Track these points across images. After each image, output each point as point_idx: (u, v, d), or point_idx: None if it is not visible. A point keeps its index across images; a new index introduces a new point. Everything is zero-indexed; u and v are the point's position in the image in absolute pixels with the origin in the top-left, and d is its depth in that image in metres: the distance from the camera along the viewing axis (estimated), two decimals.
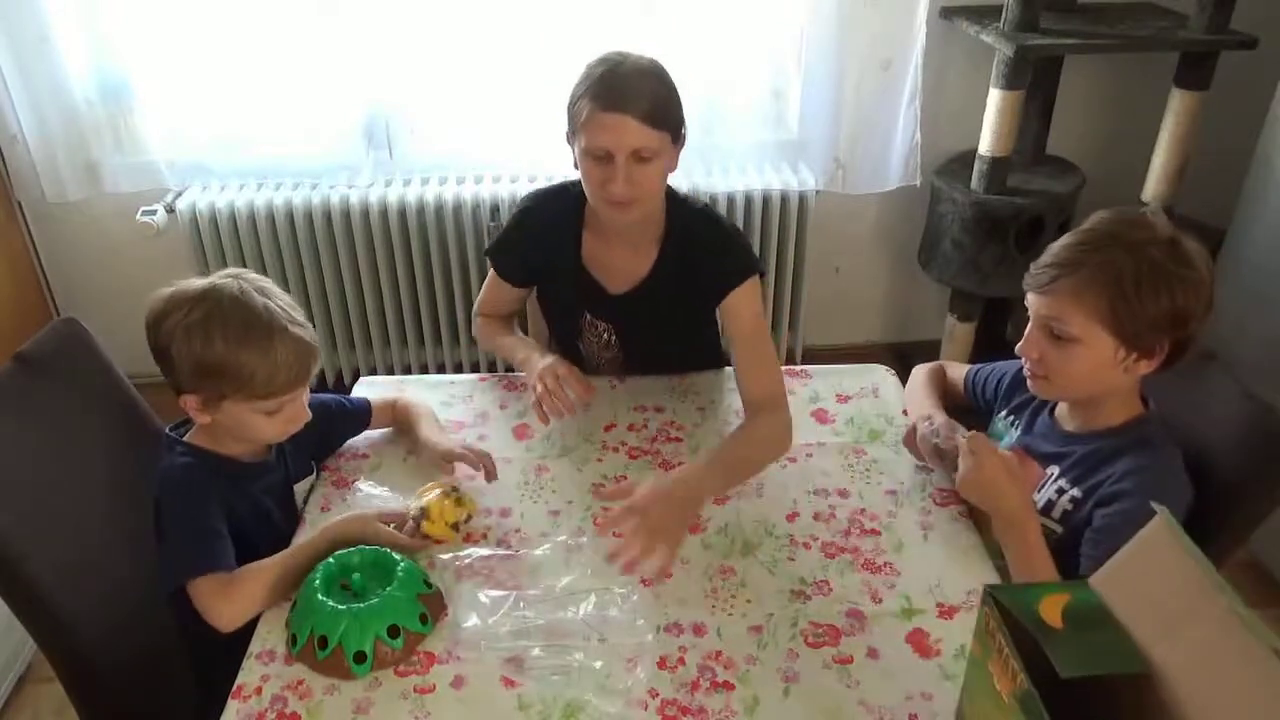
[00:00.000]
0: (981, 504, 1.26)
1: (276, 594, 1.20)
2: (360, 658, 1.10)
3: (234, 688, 1.10)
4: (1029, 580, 1.16)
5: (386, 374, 2.70)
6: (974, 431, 1.30)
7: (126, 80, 2.45)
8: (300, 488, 1.41)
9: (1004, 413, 1.47)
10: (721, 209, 2.56)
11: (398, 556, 1.21)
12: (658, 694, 1.09)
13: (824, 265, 2.86)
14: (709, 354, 1.75)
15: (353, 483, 1.43)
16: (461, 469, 1.42)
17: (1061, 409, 1.36)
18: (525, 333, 1.80)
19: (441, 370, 2.79)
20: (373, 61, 2.42)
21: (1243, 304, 2.11)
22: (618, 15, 2.38)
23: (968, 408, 1.55)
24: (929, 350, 2.81)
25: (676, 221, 1.55)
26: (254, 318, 1.20)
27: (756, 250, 2.63)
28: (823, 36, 2.46)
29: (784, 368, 1.63)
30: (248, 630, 1.18)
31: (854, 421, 1.57)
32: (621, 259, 1.58)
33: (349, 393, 1.59)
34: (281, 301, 1.25)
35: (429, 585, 1.20)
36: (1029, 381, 1.32)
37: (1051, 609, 0.84)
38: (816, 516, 1.36)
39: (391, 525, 1.29)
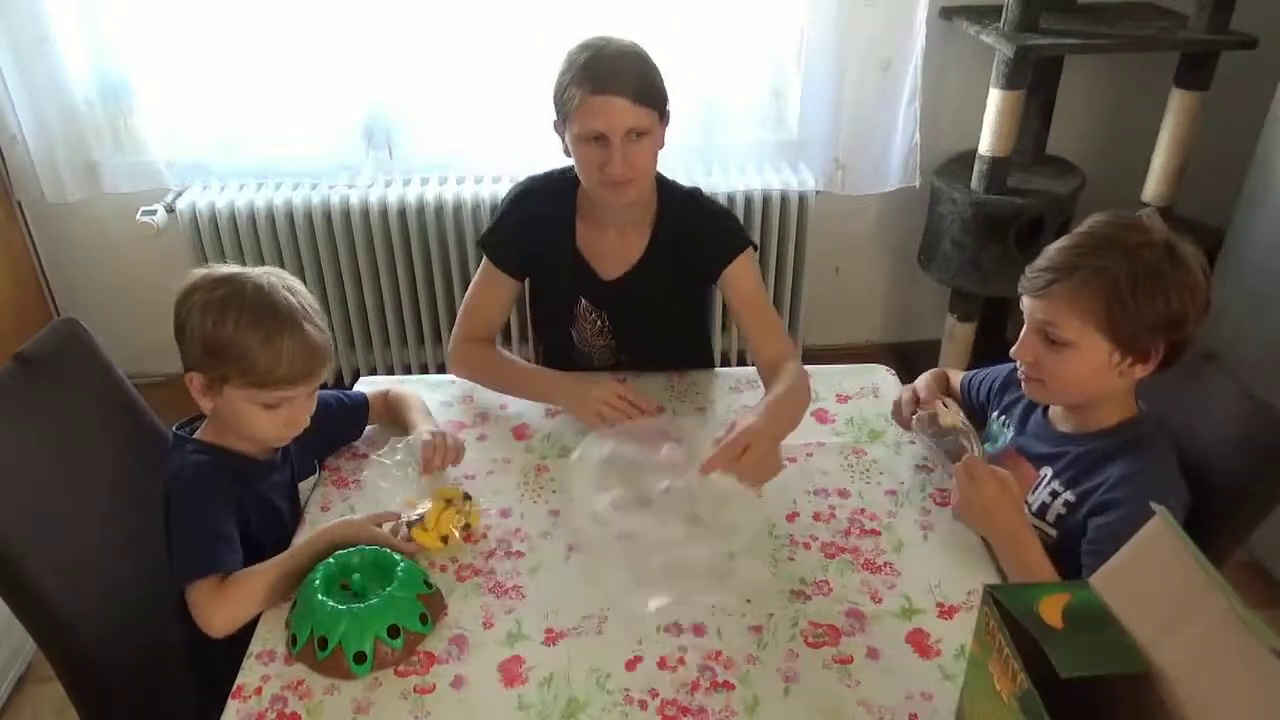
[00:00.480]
0: (982, 527, 1.26)
1: (270, 599, 1.20)
2: (360, 658, 1.10)
3: (234, 688, 1.10)
4: None
5: (386, 374, 2.70)
6: (968, 456, 1.29)
7: (126, 80, 2.45)
8: (305, 486, 1.42)
9: (996, 413, 1.47)
10: None
11: (398, 556, 1.21)
12: (658, 694, 1.09)
13: (824, 265, 2.86)
14: (700, 343, 1.79)
15: (359, 477, 1.44)
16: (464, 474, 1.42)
17: (1055, 409, 1.36)
18: (511, 335, 1.79)
19: (442, 370, 2.78)
20: (373, 61, 2.42)
21: (1243, 304, 2.11)
22: (617, 15, 2.38)
23: (966, 412, 1.55)
24: (929, 350, 2.81)
25: (667, 205, 1.59)
26: (270, 307, 1.21)
27: (756, 250, 2.63)
28: (823, 36, 2.46)
29: None
30: (249, 631, 1.18)
31: (854, 422, 1.57)
32: (614, 244, 1.61)
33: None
34: (304, 300, 1.26)
35: (429, 585, 1.20)
36: (1024, 385, 1.32)
37: (1051, 609, 0.84)
38: (816, 516, 1.36)
39: (384, 526, 1.28)
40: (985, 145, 2.41)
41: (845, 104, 2.53)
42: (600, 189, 1.50)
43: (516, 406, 1.61)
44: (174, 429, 1.33)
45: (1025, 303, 1.27)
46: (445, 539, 1.29)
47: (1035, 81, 2.41)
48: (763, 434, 1.30)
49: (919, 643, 1.15)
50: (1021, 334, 1.29)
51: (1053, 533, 1.28)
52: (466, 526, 1.31)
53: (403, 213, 2.54)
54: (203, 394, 1.24)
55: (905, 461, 1.47)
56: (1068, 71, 2.55)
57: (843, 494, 1.40)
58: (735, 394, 1.63)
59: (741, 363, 2.54)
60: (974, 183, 2.47)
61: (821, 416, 1.58)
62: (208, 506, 1.22)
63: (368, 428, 1.54)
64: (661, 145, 1.53)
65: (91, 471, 1.38)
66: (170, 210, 2.53)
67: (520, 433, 1.55)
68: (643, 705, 1.07)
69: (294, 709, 1.08)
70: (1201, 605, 0.77)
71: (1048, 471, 1.31)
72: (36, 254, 2.68)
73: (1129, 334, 1.19)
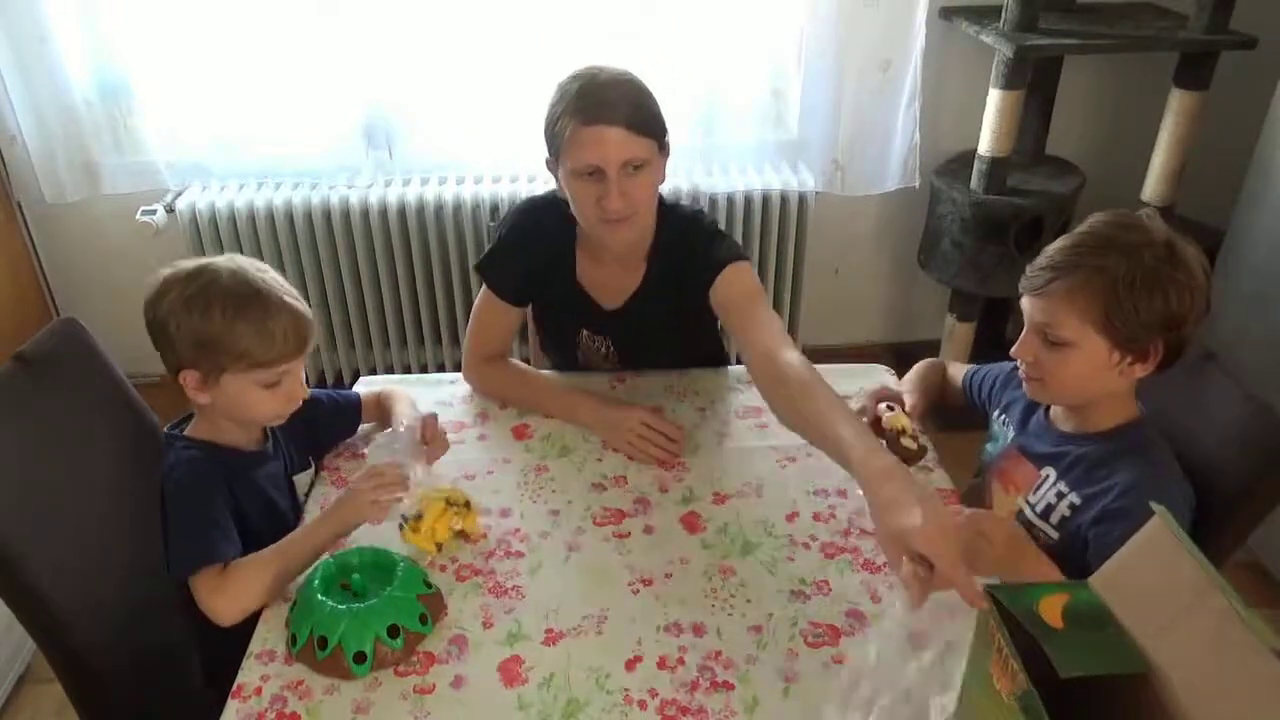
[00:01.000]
0: (1010, 576, 1.16)
1: (275, 586, 1.19)
2: (360, 658, 1.10)
3: (234, 687, 1.10)
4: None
5: (386, 374, 2.70)
6: (974, 510, 1.25)
7: (126, 81, 2.45)
8: (300, 480, 1.42)
9: (997, 413, 1.47)
10: (721, 209, 2.56)
11: (398, 556, 1.21)
12: (657, 694, 1.09)
13: (824, 265, 2.86)
14: (708, 361, 1.73)
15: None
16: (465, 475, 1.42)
17: (1056, 409, 1.36)
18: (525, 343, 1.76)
19: (441, 370, 2.79)
20: (373, 61, 2.42)
21: (1243, 304, 2.11)
22: (617, 15, 2.38)
23: (965, 408, 1.55)
24: (929, 350, 2.78)
25: (663, 233, 1.53)
26: (250, 289, 1.22)
27: (756, 251, 2.63)
28: (823, 36, 2.46)
29: None
30: (254, 628, 1.18)
31: None
32: (613, 276, 1.57)
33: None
34: (276, 276, 1.27)
35: (429, 585, 1.20)
36: (1025, 385, 1.32)
37: (1051, 609, 0.84)
38: (816, 516, 1.36)
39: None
40: (985, 145, 2.41)
41: (845, 104, 2.53)
42: (598, 227, 1.43)
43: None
44: (165, 430, 1.33)
45: (1024, 302, 1.27)
46: (439, 545, 1.29)
47: (1035, 81, 2.41)
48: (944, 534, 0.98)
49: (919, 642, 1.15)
50: (1022, 334, 1.29)
51: (1054, 534, 1.27)
52: (461, 533, 1.31)
53: (403, 213, 2.54)
54: (199, 390, 1.25)
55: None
56: (1067, 71, 2.55)
57: (842, 494, 1.40)
58: (735, 393, 1.63)
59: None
60: (974, 183, 2.47)
61: None
62: (202, 499, 1.22)
63: (364, 426, 1.54)
64: (662, 179, 1.45)
65: (91, 471, 1.38)
66: (170, 210, 2.53)
67: (520, 433, 1.55)
68: (642, 705, 1.07)
69: (294, 709, 1.08)
70: (1201, 604, 0.77)
71: (1049, 471, 1.31)
72: (36, 254, 2.68)
73: (1127, 333, 1.18)
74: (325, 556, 1.22)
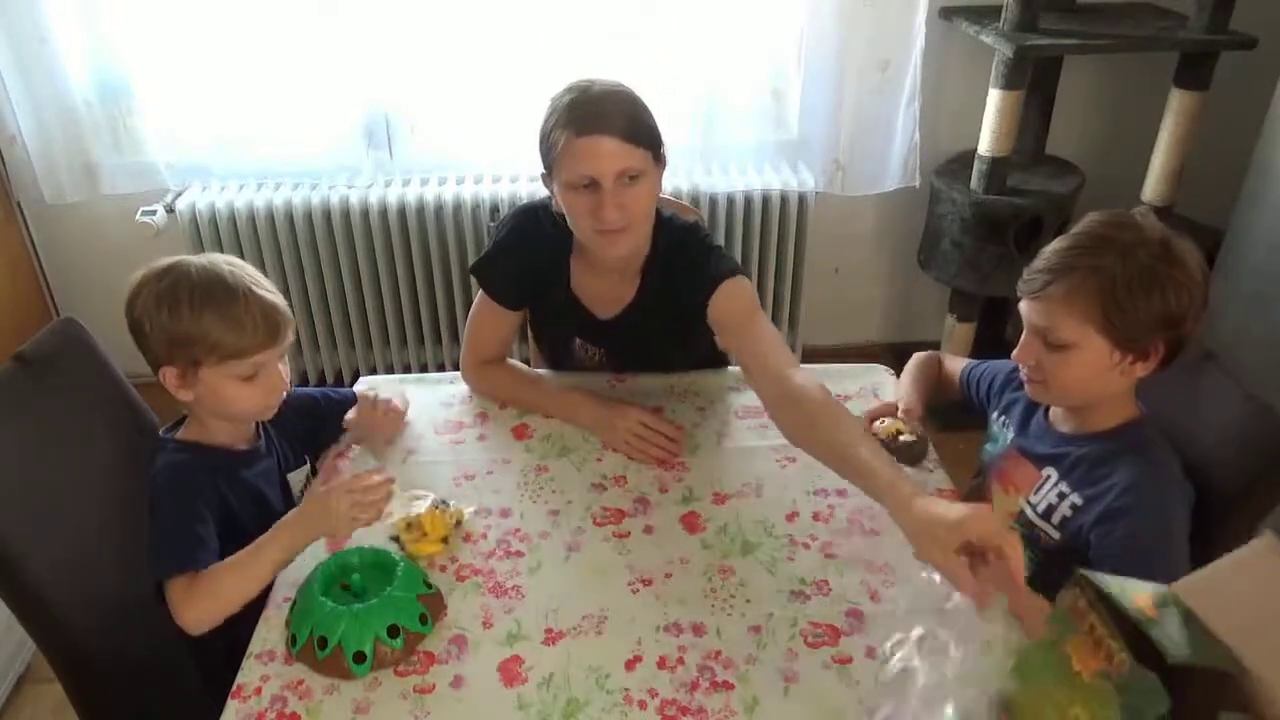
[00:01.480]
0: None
1: (239, 592, 1.15)
2: (360, 658, 1.10)
3: (234, 688, 1.10)
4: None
5: (386, 374, 2.70)
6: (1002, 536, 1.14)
7: (126, 81, 2.45)
8: (294, 478, 1.42)
9: (996, 413, 1.47)
10: (721, 209, 2.56)
11: (398, 556, 1.21)
12: (657, 694, 1.09)
13: (824, 265, 2.86)
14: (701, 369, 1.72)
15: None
16: (446, 478, 1.42)
17: (1056, 410, 1.36)
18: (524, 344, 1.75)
19: (441, 370, 2.78)
20: (373, 61, 2.43)
21: (1243, 304, 2.11)
22: (617, 15, 2.38)
23: (962, 403, 1.55)
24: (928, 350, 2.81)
25: (659, 244, 1.52)
26: (218, 280, 1.22)
27: (756, 251, 2.64)
28: (822, 36, 2.46)
29: None
30: (251, 630, 1.18)
31: None
32: (608, 286, 1.56)
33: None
34: (248, 269, 1.27)
35: (429, 585, 1.20)
36: (1026, 386, 1.32)
37: (1144, 600, 0.83)
38: (816, 516, 1.36)
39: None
40: (985, 145, 2.41)
41: (845, 104, 2.53)
42: (594, 239, 1.42)
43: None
44: (161, 433, 1.33)
45: (1023, 305, 1.26)
46: (445, 539, 1.29)
47: (1035, 81, 2.41)
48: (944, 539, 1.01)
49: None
50: (1022, 337, 1.28)
51: (1056, 535, 1.27)
52: (458, 523, 1.31)
53: (403, 213, 2.54)
54: (179, 386, 1.24)
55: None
56: (1067, 71, 2.55)
57: (842, 494, 1.40)
58: (735, 393, 1.63)
59: None
60: (973, 183, 2.47)
61: None
62: (183, 505, 1.21)
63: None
64: (658, 191, 1.44)
65: (91, 471, 1.38)
66: (170, 211, 2.53)
67: (520, 433, 1.55)
68: (642, 705, 1.07)
69: (294, 709, 1.08)
70: None
71: (1050, 472, 1.31)
72: (36, 254, 2.68)
73: (1128, 333, 1.18)
74: (325, 557, 1.22)
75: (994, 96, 2.35)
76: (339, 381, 2.78)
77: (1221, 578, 0.86)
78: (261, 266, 2.54)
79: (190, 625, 1.13)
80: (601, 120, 1.34)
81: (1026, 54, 2.26)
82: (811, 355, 2.83)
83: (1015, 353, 1.29)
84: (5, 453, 1.26)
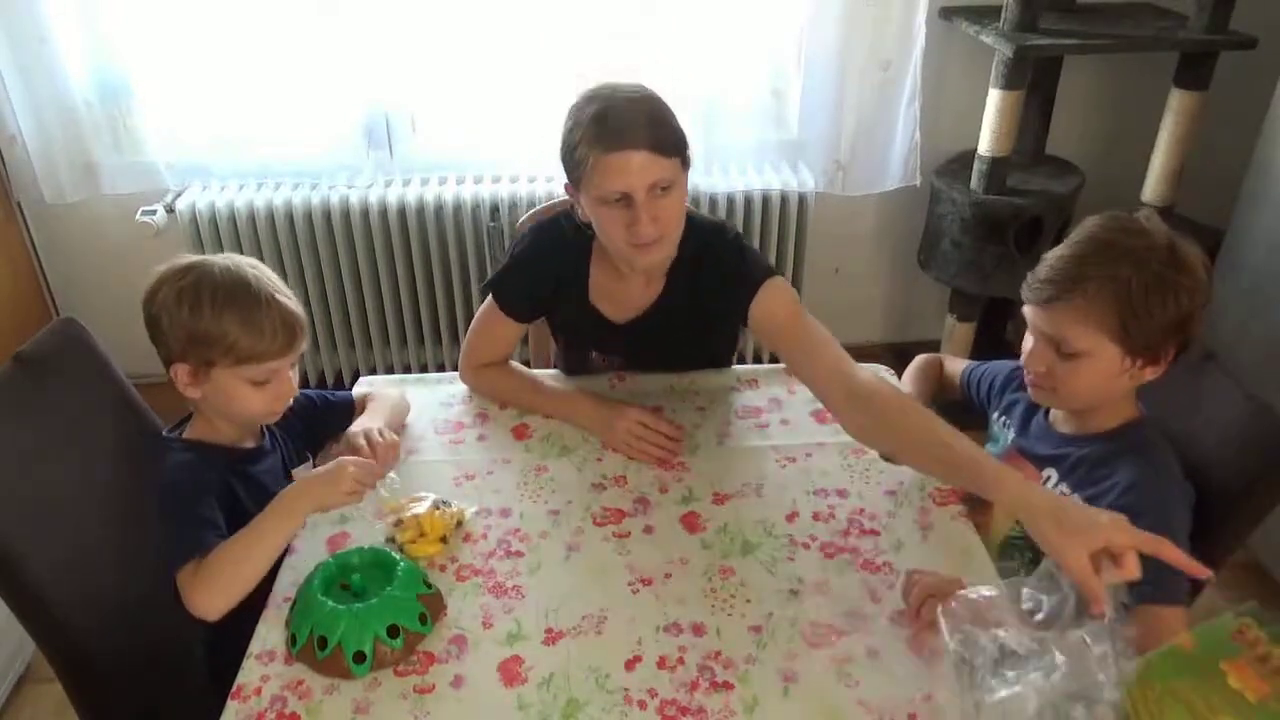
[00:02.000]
0: None
1: (249, 568, 1.14)
2: (360, 658, 1.10)
3: (234, 688, 1.10)
4: None
5: (387, 374, 2.70)
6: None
7: (126, 81, 2.45)
8: (299, 474, 1.41)
9: (996, 414, 1.47)
10: (721, 209, 2.56)
11: (397, 556, 1.21)
12: (657, 694, 1.09)
13: (824, 265, 2.86)
14: (711, 364, 1.71)
15: None
16: (447, 479, 1.42)
17: (1056, 411, 1.36)
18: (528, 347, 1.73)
19: (441, 370, 2.78)
20: (373, 61, 2.42)
21: (1243, 304, 2.11)
22: (617, 15, 2.38)
23: (963, 404, 1.55)
24: (928, 350, 2.79)
25: (686, 247, 1.47)
26: (242, 284, 1.23)
27: (779, 276, 2.62)
28: (823, 36, 2.46)
29: (782, 367, 1.64)
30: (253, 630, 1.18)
31: None
32: (631, 289, 1.54)
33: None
34: (269, 274, 1.27)
35: (429, 585, 1.20)
36: (1032, 391, 1.32)
37: None
38: (816, 516, 1.36)
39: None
40: (985, 145, 2.41)
41: (845, 104, 2.53)
42: (627, 251, 1.39)
43: None
44: (164, 433, 1.33)
45: (1031, 312, 1.25)
46: (445, 539, 1.29)
47: (1035, 81, 2.41)
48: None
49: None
50: (1030, 344, 1.28)
51: None
52: (459, 524, 1.31)
53: (403, 213, 2.54)
54: (189, 384, 1.25)
55: None
56: (1067, 71, 2.55)
57: (842, 494, 1.40)
58: (735, 393, 1.63)
59: (755, 360, 2.53)
60: (974, 183, 2.47)
61: (821, 416, 1.58)
62: (189, 499, 1.21)
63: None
64: (687, 194, 1.42)
65: (91, 471, 1.38)
66: (170, 210, 2.53)
67: (520, 433, 1.55)
68: (642, 705, 1.07)
69: (294, 709, 1.08)
70: None
71: (1051, 473, 1.31)
72: (36, 254, 2.68)
73: (1143, 340, 1.18)
74: (325, 557, 1.22)
75: (994, 96, 2.35)
76: (339, 381, 2.78)
77: None
78: None
79: (201, 609, 1.12)
80: (630, 135, 1.30)
81: (1026, 54, 2.26)
82: None
83: (1024, 359, 1.29)
84: (5, 453, 1.26)
